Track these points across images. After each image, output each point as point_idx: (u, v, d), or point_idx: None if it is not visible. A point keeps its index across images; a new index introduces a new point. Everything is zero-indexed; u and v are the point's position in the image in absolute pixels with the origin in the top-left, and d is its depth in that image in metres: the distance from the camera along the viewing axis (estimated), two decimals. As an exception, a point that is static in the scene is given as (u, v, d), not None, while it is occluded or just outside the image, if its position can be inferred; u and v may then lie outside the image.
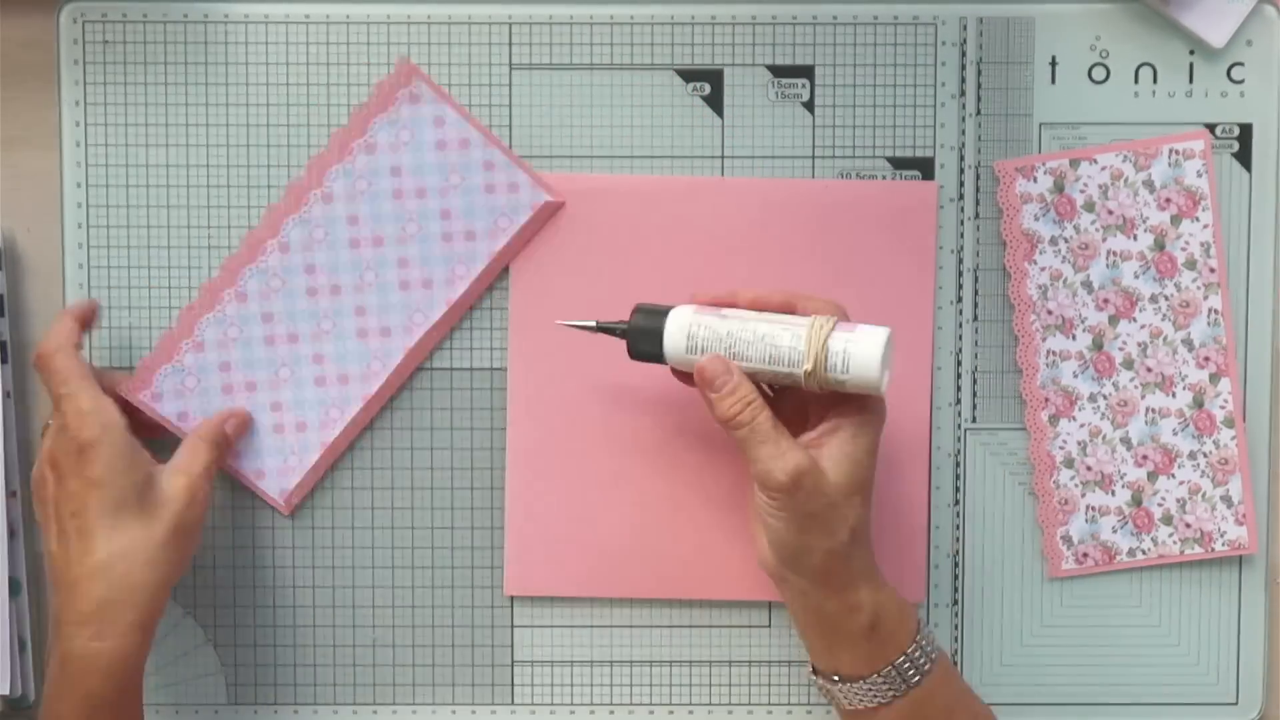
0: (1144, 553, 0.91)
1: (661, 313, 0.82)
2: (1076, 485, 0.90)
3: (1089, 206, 0.89)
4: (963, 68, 0.90)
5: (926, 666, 0.81)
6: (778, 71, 0.90)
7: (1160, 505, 0.90)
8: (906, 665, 0.81)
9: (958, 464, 0.92)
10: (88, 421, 0.81)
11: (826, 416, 0.81)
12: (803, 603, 0.82)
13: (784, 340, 0.78)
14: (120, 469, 0.81)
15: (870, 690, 0.81)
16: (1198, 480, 0.90)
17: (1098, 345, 0.90)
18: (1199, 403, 0.90)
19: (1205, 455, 0.90)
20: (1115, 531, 0.90)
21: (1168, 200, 0.89)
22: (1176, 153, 0.89)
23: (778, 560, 0.80)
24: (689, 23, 0.90)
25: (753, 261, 0.90)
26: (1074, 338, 0.90)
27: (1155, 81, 0.90)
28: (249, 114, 0.90)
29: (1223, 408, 0.90)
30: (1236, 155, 0.91)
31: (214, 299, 0.88)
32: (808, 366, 0.78)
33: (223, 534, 0.92)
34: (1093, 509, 0.90)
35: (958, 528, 0.92)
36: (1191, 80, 0.90)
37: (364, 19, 0.90)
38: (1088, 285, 0.90)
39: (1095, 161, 0.89)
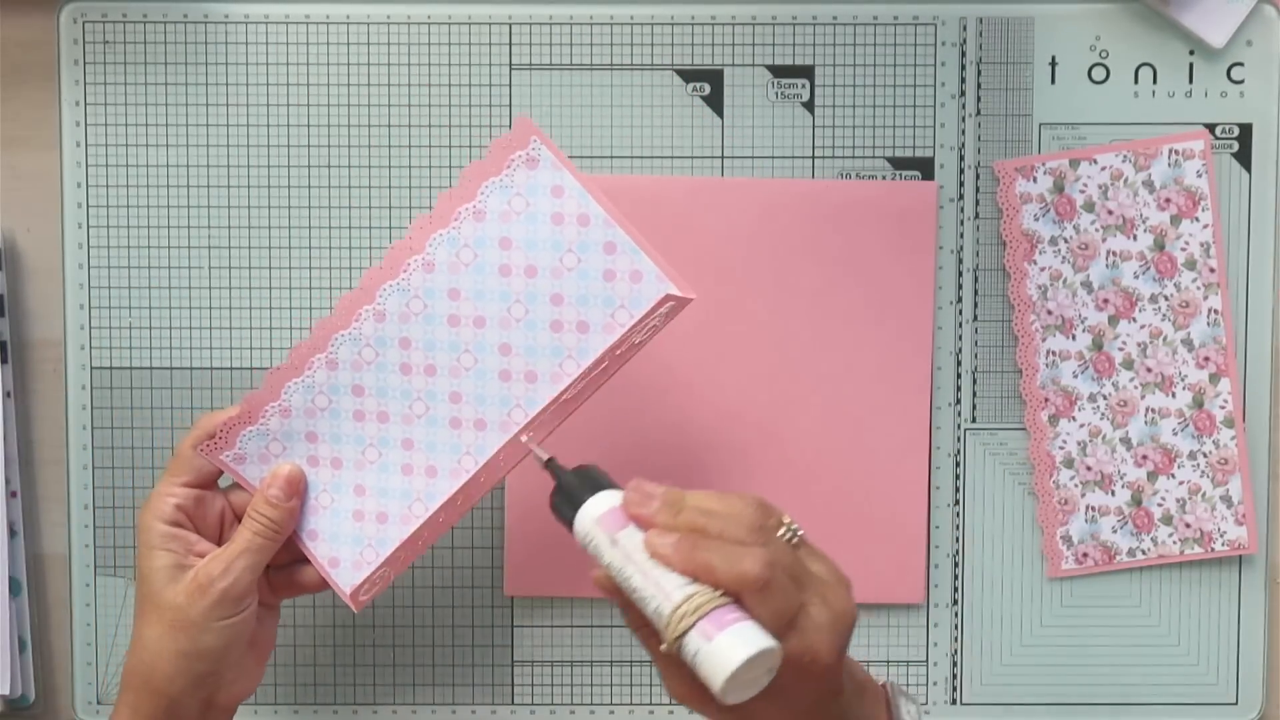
0: (1144, 553, 0.91)
1: (588, 489, 0.73)
2: (1076, 485, 0.90)
3: (1089, 207, 0.89)
4: (963, 68, 0.90)
5: None
6: (778, 71, 0.90)
7: (1160, 505, 0.90)
8: None
9: (958, 464, 0.92)
10: (143, 509, 0.80)
11: None
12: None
13: (648, 606, 0.69)
14: (143, 555, 0.79)
15: None
16: (1197, 480, 0.90)
17: (1097, 345, 0.90)
18: (1199, 403, 0.90)
19: (1205, 455, 0.90)
20: (1115, 531, 0.90)
21: (1167, 200, 0.89)
22: (1176, 153, 0.89)
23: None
24: (689, 23, 0.90)
25: (753, 262, 0.90)
26: (1074, 338, 0.90)
27: (1155, 81, 0.90)
28: (249, 114, 0.90)
29: (1222, 408, 0.90)
30: (1236, 155, 0.91)
31: (303, 363, 0.80)
32: (663, 648, 0.68)
33: (223, 534, 0.92)
34: (1092, 509, 0.90)
35: (958, 528, 0.92)
36: (1191, 80, 0.90)
37: (364, 19, 0.90)
38: (1087, 285, 0.90)
39: (1095, 161, 0.89)
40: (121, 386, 0.91)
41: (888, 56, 0.90)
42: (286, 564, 0.82)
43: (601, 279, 0.77)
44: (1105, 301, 0.89)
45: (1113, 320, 0.90)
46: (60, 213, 0.91)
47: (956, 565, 0.92)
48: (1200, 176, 0.89)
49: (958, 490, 0.92)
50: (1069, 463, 0.90)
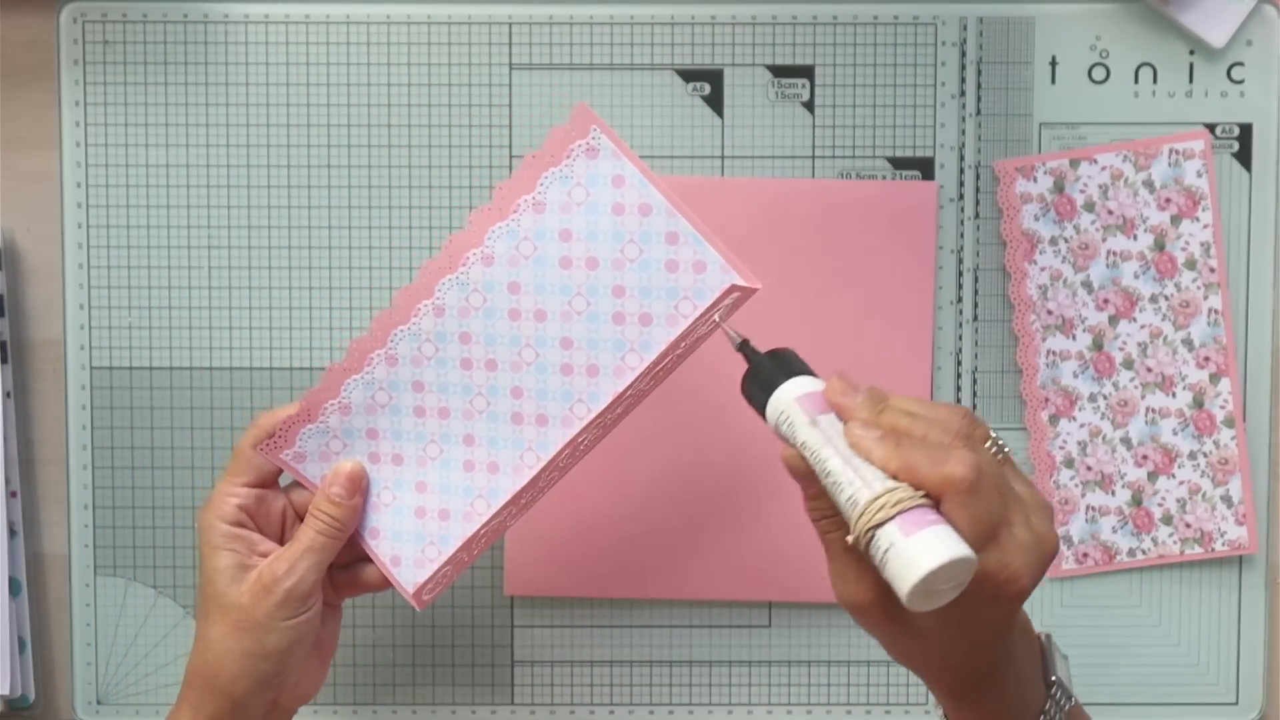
0: (1144, 553, 0.91)
1: (784, 373, 0.71)
2: (1076, 485, 0.90)
3: (1089, 206, 0.89)
4: (963, 68, 0.90)
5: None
6: (778, 71, 0.90)
7: (1160, 505, 0.90)
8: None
9: (958, 464, 0.91)
10: (203, 509, 0.79)
11: None
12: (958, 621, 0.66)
13: (843, 493, 0.65)
14: (205, 556, 0.79)
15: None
16: (1198, 480, 0.90)
17: (1098, 345, 0.90)
18: (1199, 403, 0.90)
19: (1205, 455, 0.90)
20: (1115, 531, 0.90)
21: (1168, 200, 0.89)
22: (1176, 153, 0.89)
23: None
24: (689, 23, 0.90)
25: (752, 262, 0.89)
26: (1074, 338, 0.90)
27: (1155, 81, 0.90)
28: (249, 114, 0.90)
29: (1223, 408, 0.90)
30: (1236, 155, 0.91)
31: (362, 359, 0.79)
32: (849, 538, 0.64)
33: (223, 534, 0.92)
34: (1093, 509, 0.90)
35: (958, 528, 0.92)
36: (1191, 80, 0.90)
37: (364, 19, 0.90)
38: (1088, 285, 0.90)
39: (1095, 161, 0.89)
40: (121, 386, 0.91)
41: (888, 56, 0.90)
42: (349, 563, 0.81)
43: (664, 270, 0.75)
44: (1105, 301, 0.89)
45: (1113, 320, 0.90)
46: (60, 213, 0.91)
47: (956, 565, 0.92)
48: (1200, 176, 0.89)
49: (958, 490, 0.92)
50: (1069, 463, 0.90)
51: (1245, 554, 0.91)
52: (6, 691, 0.89)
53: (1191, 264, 0.89)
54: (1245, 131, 0.90)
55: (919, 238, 0.90)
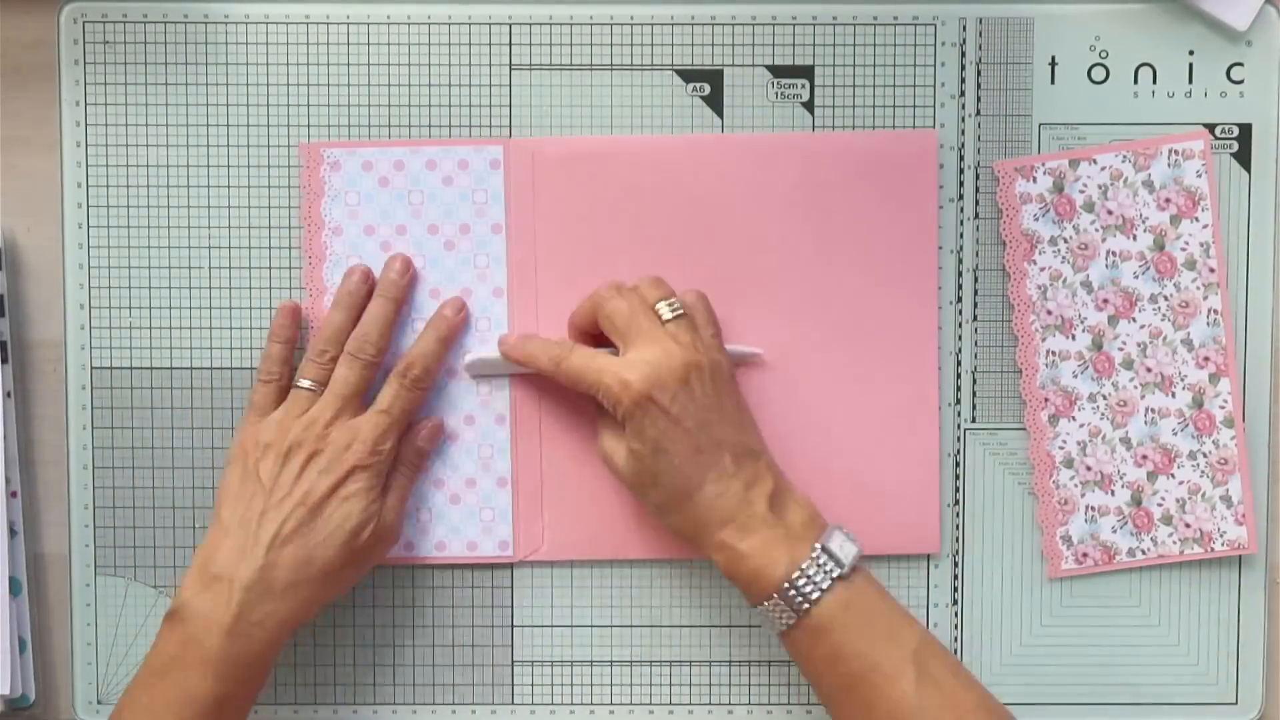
0: (1144, 553, 0.91)
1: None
2: (1076, 485, 0.90)
3: (1088, 207, 0.89)
4: (962, 68, 0.90)
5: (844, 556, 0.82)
6: (778, 71, 0.90)
7: (1160, 505, 0.90)
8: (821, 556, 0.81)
9: (958, 464, 0.92)
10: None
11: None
12: (714, 491, 0.82)
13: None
14: None
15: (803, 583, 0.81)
16: (1197, 480, 0.90)
17: (1097, 345, 0.90)
18: (1198, 403, 0.90)
19: (1205, 455, 0.90)
20: (1115, 531, 0.90)
21: (1167, 200, 0.89)
22: (1176, 153, 0.89)
23: (668, 473, 0.83)
24: (689, 23, 0.90)
25: (753, 217, 0.89)
26: (1073, 338, 0.90)
27: (1155, 81, 0.90)
28: (249, 114, 0.90)
29: (1222, 408, 0.90)
30: (1236, 155, 0.91)
31: None
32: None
33: (223, 534, 0.92)
34: (1092, 509, 0.90)
35: (958, 528, 0.92)
36: (1191, 80, 0.90)
37: (364, 19, 0.90)
38: (1087, 285, 0.90)
39: (1095, 162, 0.89)
40: (121, 386, 0.91)
41: (888, 56, 0.90)
42: None
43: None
44: (1105, 301, 0.90)
45: (1112, 320, 0.90)
46: (60, 213, 0.91)
47: (956, 565, 0.92)
48: (1200, 176, 0.89)
49: (958, 490, 0.92)
50: (1069, 463, 0.90)
51: (1245, 554, 0.91)
52: (6, 691, 0.89)
53: (1191, 264, 0.89)
54: (1245, 131, 0.90)
55: (920, 186, 0.90)
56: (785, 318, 0.90)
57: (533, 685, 0.93)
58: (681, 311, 0.85)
